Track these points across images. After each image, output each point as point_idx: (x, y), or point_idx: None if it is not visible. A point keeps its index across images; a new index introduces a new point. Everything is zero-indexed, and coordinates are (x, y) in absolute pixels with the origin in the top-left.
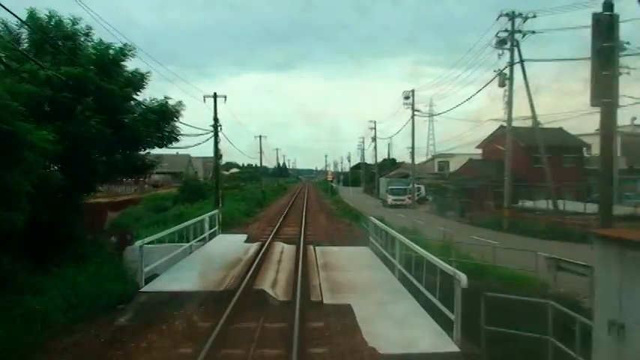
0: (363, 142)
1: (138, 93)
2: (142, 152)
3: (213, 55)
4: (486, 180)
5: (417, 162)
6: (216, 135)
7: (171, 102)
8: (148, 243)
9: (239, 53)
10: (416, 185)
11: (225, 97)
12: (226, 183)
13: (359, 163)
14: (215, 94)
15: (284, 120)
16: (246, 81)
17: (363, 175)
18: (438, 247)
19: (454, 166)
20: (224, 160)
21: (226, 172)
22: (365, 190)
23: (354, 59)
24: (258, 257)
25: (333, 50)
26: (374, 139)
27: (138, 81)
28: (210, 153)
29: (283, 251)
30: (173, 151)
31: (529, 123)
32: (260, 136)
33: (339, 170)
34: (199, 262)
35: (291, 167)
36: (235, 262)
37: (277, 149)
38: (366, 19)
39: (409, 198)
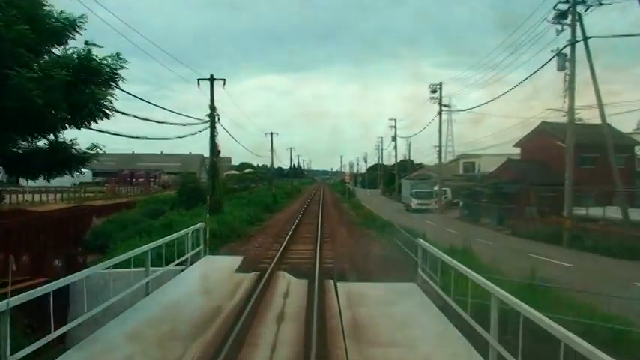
0: (381, 141)
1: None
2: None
3: (225, 57)
4: (527, 183)
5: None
6: (212, 126)
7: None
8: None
9: (254, 55)
10: (445, 188)
11: (224, 80)
12: (235, 184)
13: (376, 164)
14: (212, 76)
15: (300, 121)
16: (262, 82)
17: (382, 177)
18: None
19: (482, 167)
20: (237, 160)
21: (231, 173)
22: (383, 193)
23: (370, 59)
24: (248, 307)
25: (351, 50)
26: (394, 138)
27: (61, 30)
28: (225, 152)
29: (289, 292)
30: (186, 151)
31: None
32: (271, 133)
33: (355, 171)
34: (148, 319)
35: (306, 168)
36: (209, 319)
37: (291, 148)
38: (387, 18)
39: (435, 202)
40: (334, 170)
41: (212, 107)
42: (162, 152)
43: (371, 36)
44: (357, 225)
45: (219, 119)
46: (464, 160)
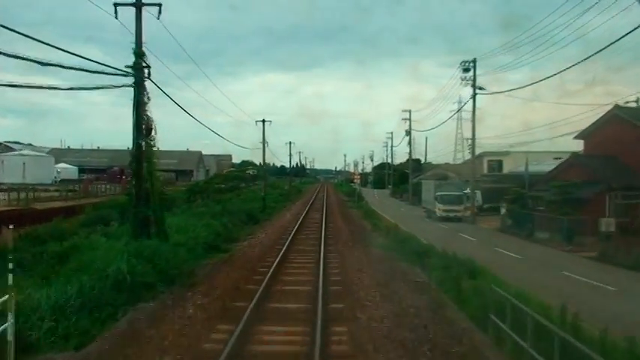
0: (391, 137)
1: None
2: None
3: (228, 56)
4: (604, 185)
5: (447, 161)
6: (138, 85)
7: None
8: None
9: (263, 53)
10: (470, 191)
11: (160, 5)
12: (222, 184)
13: (382, 163)
14: None
15: (302, 120)
16: (264, 81)
17: (392, 177)
18: None
19: (510, 165)
20: (238, 158)
21: (230, 171)
22: (392, 194)
23: (372, 58)
24: None
25: (353, 49)
26: (407, 132)
27: None
28: (225, 149)
29: None
30: (183, 147)
31: None
32: (263, 121)
33: (360, 170)
34: None
35: (309, 167)
36: None
37: (290, 142)
38: (397, 18)
39: (466, 208)
40: (338, 169)
41: (138, 53)
42: (158, 148)
43: (373, 35)
44: (379, 248)
45: (149, 74)
46: (488, 157)
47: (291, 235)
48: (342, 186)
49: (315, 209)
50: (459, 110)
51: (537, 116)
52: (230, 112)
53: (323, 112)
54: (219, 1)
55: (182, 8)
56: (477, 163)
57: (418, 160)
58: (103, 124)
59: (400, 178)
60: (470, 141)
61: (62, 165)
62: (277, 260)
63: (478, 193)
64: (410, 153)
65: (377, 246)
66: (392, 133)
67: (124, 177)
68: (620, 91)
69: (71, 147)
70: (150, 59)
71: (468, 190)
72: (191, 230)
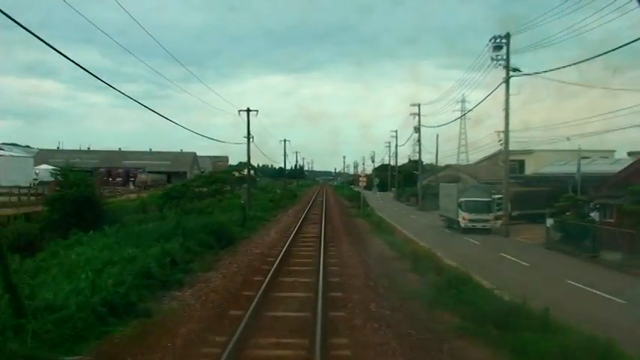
0: (396, 135)
1: None
2: None
3: (227, 57)
4: None
5: (457, 161)
6: None
7: None
8: None
9: (260, 54)
10: (496, 195)
11: None
12: (204, 187)
13: (383, 164)
14: None
15: (301, 122)
16: (263, 83)
17: (394, 179)
18: None
19: (533, 166)
20: (235, 159)
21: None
22: (397, 197)
23: (370, 60)
24: None
25: (351, 51)
26: (417, 129)
27: None
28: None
29: None
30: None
31: None
32: (248, 110)
33: (358, 172)
34: None
35: (308, 169)
36: None
37: (285, 140)
38: (396, 19)
39: (496, 218)
40: (337, 171)
41: None
42: (150, 149)
43: (372, 36)
44: (426, 319)
45: None
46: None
47: (272, 270)
48: (343, 189)
49: (311, 221)
50: (465, 113)
51: (567, 109)
52: (229, 112)
53: (322, 114)
54: (218, 1)
55: (182, 8)
56: (491, 163)
57: (420, 162)
58: (101, 125)
59: (405, 179)
60: (502, 135)
61: (44, 166)
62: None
63: (497, 197)
64: (419, 152)
65: (413, 295)
66: (396, 131)
67: (110, 178)
68: None
69: (68, 148)
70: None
71: (496, 196)
72: (96, 274)
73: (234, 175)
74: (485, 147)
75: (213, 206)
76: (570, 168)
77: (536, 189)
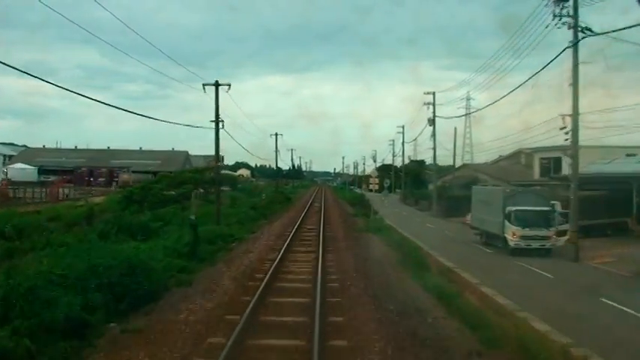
0: (403, 131)
1: None
2: None
3: (227, 58)
4: None
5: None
6: None
7: None
8: None
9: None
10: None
11: None
12: (173, 190)
13: (385, 164)
14: None
15: (301, 122)
16: (263, 83)
17: (403, 179)
18: None
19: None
20: (232, 159)
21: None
22: (403, 200)
23: (370, 60)
24: None
25: (351, 51)
26: (431, 121)
27: None
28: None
29: None
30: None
31: None
32: (216, 84)
33: (358, 172)
34: None
35: (307, 169)
36: None
37: (276, 133)
38: (396, 20)
39: (559, 233)
40: (337, 171)
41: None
42: (140, 148)
43: (372, 37)
44: None
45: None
46: (540, 154)
47: None
48: (343, 190)
49: (303, 242)
50: (468, 115)
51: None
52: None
53: (322, 114)
54: (218, 1)
55: (181, 8)
56: (512, 162)
57: (422, 162)
58: (100, 124)
59: (413, 180)
60: (568, 120)
61: (19, 165)
62: None
63: (557, 206)
64: (434, 147)
65: None
66: (403, 126)
67: (92, 178)
68: None
69: (61, 147)
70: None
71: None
72: None
73: (208, 174)
74: (489, 148)
75: (171, 216)
76: (619, 167)
77: (594, 193)
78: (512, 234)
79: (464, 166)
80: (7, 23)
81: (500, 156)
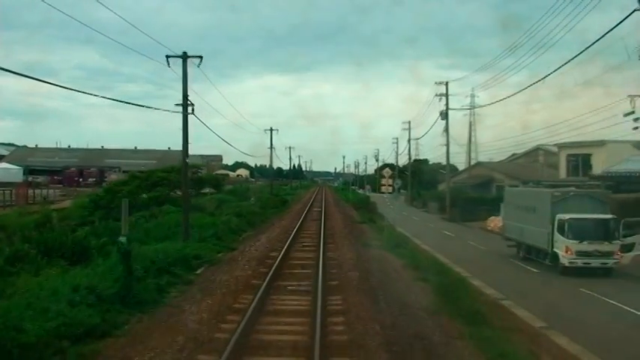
0: (409, 127)
1: None
2: None
3: (226, 58)
4: None
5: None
6: None
7: None
8: None
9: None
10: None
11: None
12: (145, 193)
13: (386, 164)
14: None
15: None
16: (263, 83)
17: (409, 180)
18: None
19: (608, 161)
20: (231, 159)
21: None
22: (410, 202)
23: (370, 60)
24: None
25: (351, 51)
26: (443, 114)
27: None
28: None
29: None
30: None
31: None
32: (184, 56)
33: (358, 172)
34: None
35: (307, 169)
36: None
37: (271, 128)
38: (396, 19)
39: (624, 246)
40: (337, 171)
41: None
42: (136, 147)
43: (371, 37)
44: None
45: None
46: (568, 150)
47: None
48: (345, 191)
49: (293, 270)
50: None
51: None
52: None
53: (321, 114)
54: (218, 1)
55: (182, 8)
56: (530, 160)
57: (426, 161)
58: (101, 124)
59: (420, 180)
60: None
61: (3, 165)
62: None
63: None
64: (447, 143)
65: None
66: (409, 122)
67: (81, 179)
68: None
69: (52, 147)
70: None
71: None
72: None
73: (190, 174)
74: (498, 147)
75: (134, 229)
76: None
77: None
78: (567, 249)
79: (478, 164)
80: (7, 23)
81: (514, 154)
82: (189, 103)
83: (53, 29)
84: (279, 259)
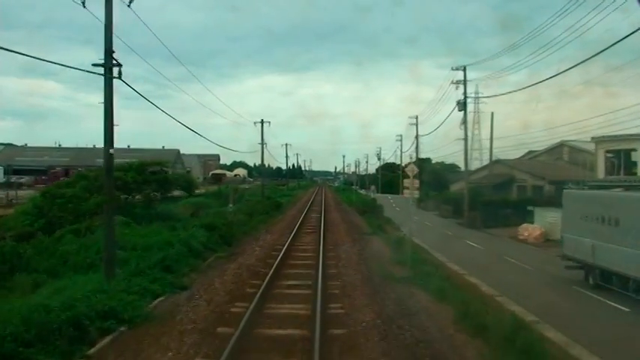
0: (416, 123)
1: None
2: None
3: (226, 58)
4: None
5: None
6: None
7: None
8: None
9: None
10: None
11: None
12: (92, 197)
13: (388, 163)
14: None
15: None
16: (263, 83)
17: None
18: None
19: None
20: (229, 159)
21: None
22: (418, 204)
23: (370, 60)
24: None
25: (351, 50)
26: (461, 104)
27: None
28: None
29: None
30: (158, 145)
31: None
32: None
33: (359, 172)
34: None
35: (306, 168)
36: None
37: (262, 121)
38: (396, 19)
39: None
40: (337, 170)
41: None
42: (129, 146)
43: (371, 36)
44: None
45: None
46: (604, 146)
47: None
48: (346, 192)
49: (281, 343)
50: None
51: None
52: (229, 114)
53: (321, 114)
54: (218, 1)
55: (182, 8)
56: (552, 158)
57: (428, 160)
58: (100, 124)
59: (438, 181)
60: None
61: None
62: None
63: None
64: (465, 138)
65: None
66: (417, 117)
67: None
68: None
69: (43, 146)
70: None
71: None
72: None
73: (152, 173)
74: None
75: (48, 253)
76: None
77: None
78: None
79: (496, 161)
80: (7, 23)
81: (531, 151)
82: (114, 62)
83: (53, 29)
84: (246, 316)
